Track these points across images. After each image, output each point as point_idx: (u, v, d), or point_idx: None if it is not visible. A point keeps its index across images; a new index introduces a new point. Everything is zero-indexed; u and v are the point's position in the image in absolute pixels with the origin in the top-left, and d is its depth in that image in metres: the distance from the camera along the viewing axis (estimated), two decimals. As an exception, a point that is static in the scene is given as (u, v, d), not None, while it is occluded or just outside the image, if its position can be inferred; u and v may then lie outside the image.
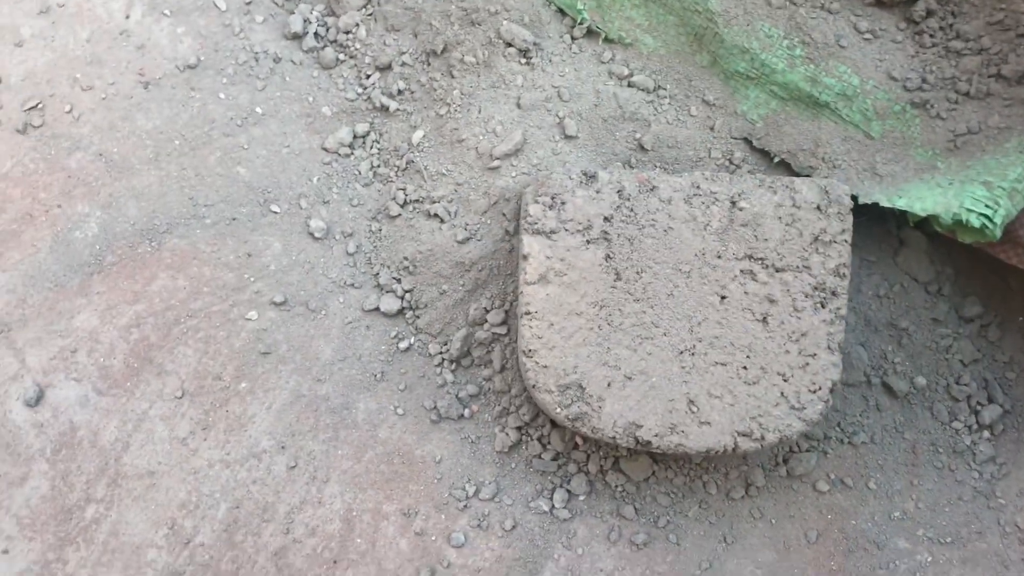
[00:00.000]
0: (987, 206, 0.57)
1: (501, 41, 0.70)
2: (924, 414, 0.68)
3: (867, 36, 0.64)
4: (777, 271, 0.60)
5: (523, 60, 0.70)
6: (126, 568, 0.62)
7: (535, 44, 0.70)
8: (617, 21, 0.70)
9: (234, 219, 0.72)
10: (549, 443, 0.66)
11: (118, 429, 0.65)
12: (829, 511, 0.66)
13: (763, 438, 0.59)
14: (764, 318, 0.59)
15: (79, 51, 0.75)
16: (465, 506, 0.65)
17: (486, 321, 0.67)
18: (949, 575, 0.64)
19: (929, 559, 0.65)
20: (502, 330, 0.68)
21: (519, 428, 0.66)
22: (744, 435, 0.58)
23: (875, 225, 0.68)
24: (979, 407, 0.67)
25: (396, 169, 0.73)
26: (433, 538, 0.64)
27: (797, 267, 0.59)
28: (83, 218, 0.70)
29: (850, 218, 0.60)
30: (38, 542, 0.62)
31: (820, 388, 0.59)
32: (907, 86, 0.62)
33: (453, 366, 0.68)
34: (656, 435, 0.57)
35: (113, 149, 0.73)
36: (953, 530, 0.65)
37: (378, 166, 0.73)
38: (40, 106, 0.72)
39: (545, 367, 0.57)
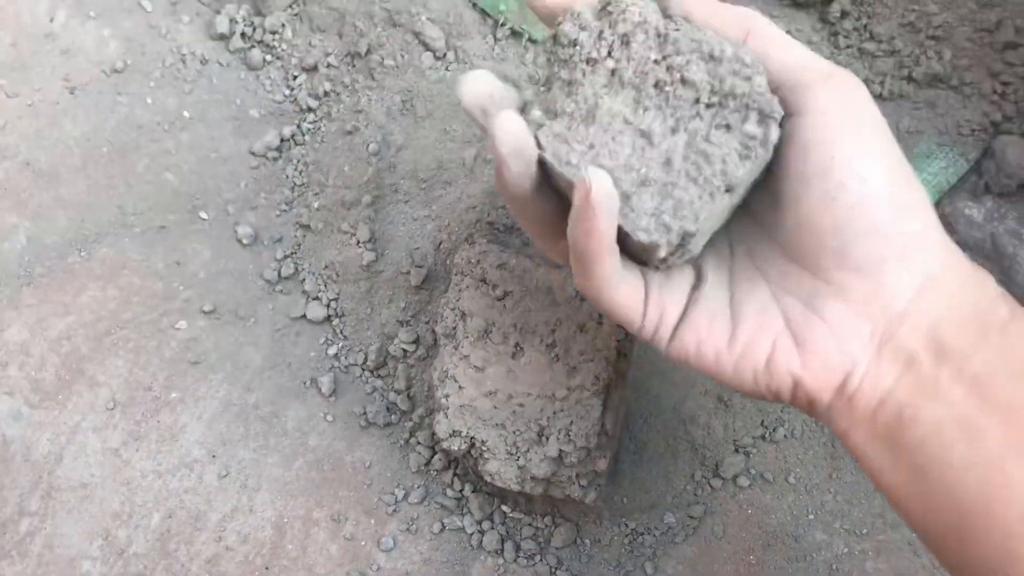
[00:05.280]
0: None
1: (418, 43, 0.70)
2: (843, 409, 0.69)
3: (784, 37, 0.64)
4: None
5: (439, 62, 0.70)
6: (63, 578, 0.64)
7: (449, 46, 0.70)
8: (539, 23, 0.70)
9: (163, 227, 0.72)
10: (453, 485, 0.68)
11: (51, 442, 0.66)
12: (749, 506, 0.68)
13: None
14: None
15: (3, 56, 0.74)
16: (394, 510, 0.67)
17: (396, 336, 0.68)
18: (864, 565, 0.66)
19: (845, 550, 0.67)
20: (411, 347, 0.68)
21: (430, 447, 0.67)
22: None
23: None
24: (896, 401, 0.68)
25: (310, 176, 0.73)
26: (363, 543, 0.66)
27: None
28: (11, 230, 0.71)
29: None
30: (-25, 555, 0.63)
31: None
32: (821, 89, 0.63)
33: (378, 373, 0.69)
34: None
35: (40, 158, 0.72)
36: (869, 521, 0.67)
37: (300, 171, 0.73)
38: (-36, 115, 0.72)
39: None
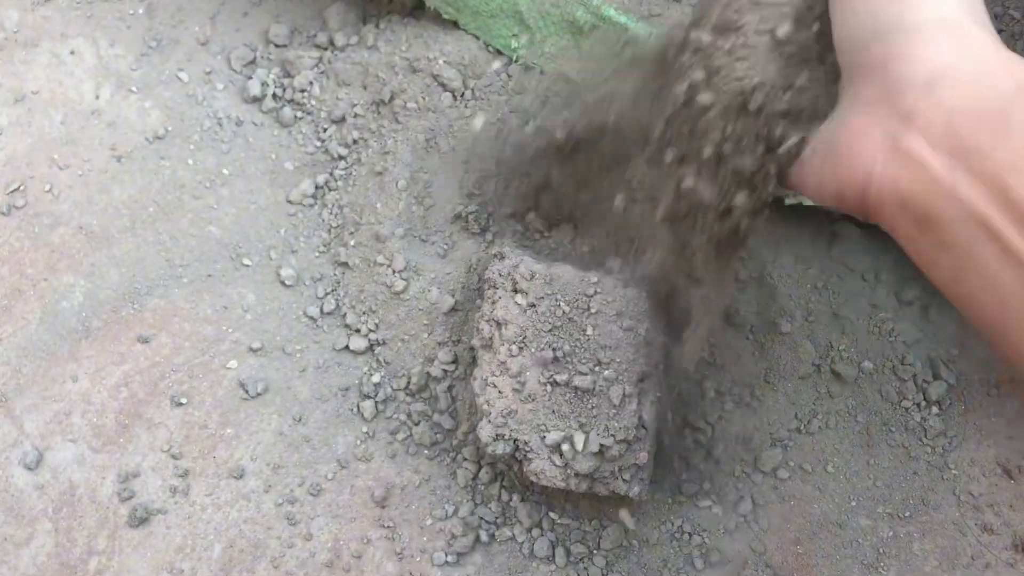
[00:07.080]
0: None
1: (437, 85, 0.75)
2: (874, 396, 0.71)
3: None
4: None
5: (457, 100, 0.75)
6: (131, 614, 0.66)
7: (466, 85, 0.75)
8: (548, 57, 0.75)
9: (209, 275, 0.76)
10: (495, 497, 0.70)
11: (114, 483, 0.69)
12: (791, 497, 0.69)
13: None
14: None
15: (55, 133, 0.79)
16: (445, 526, 0.69)
17: (436, 358, 0.71)
18: (911, 547, 0.67)
19: (891, 534, 0.68)
20: (451, 367, 0.71)
21: (476, 461, 0.70)
22: None
23: (807, 224, 0.71)
24: (925, 384, 0.70)
25: (343, 216, 0.77)
26: (417, 559, 0.68)
27: None
28: (68, 288, 0.75)
29: None
30: (47, 597, 0.66)
31: None
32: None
33: (420, 396, 0.72)
34: None
35: (92, 221, 0.77)
36: (911, 504, 0.68)
37: (335, 213, 0.77)
38: (22, 188, 0.77)
39: None
